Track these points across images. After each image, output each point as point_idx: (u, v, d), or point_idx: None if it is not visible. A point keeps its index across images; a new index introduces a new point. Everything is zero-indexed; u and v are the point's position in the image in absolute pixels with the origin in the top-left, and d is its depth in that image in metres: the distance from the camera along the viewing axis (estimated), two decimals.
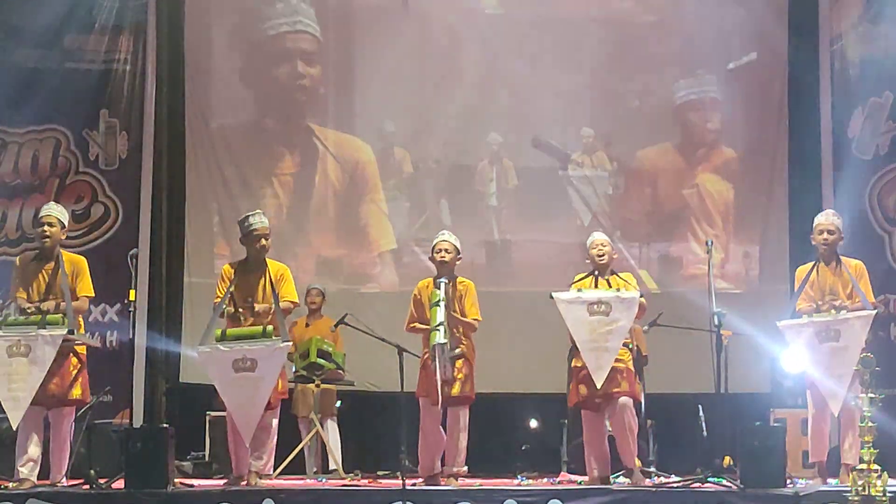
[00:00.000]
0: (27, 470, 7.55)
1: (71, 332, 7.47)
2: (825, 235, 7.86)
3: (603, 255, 7.90)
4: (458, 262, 8.05)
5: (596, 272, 7.94)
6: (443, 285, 7.79)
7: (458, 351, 7.78)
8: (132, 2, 10.63)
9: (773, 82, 11.16)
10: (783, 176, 11.12)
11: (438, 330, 7.58)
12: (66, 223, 7.95)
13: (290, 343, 7.74)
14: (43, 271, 7.78)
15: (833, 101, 10.71)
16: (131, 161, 10.62)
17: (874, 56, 10.38)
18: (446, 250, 7.95)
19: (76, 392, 7.66)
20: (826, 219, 7.95)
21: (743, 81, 11.24)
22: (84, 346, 7.79)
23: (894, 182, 10.16)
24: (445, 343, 7.57)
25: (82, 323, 7.83)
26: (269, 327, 7.55)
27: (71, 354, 7.66)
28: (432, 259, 8.04)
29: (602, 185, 11.18)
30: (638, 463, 8.22)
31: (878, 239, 10.16)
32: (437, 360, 7.57)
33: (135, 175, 10.62)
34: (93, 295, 7.89)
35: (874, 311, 7.64)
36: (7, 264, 10.19)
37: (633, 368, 7.83)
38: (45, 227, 7.77)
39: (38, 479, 7.62)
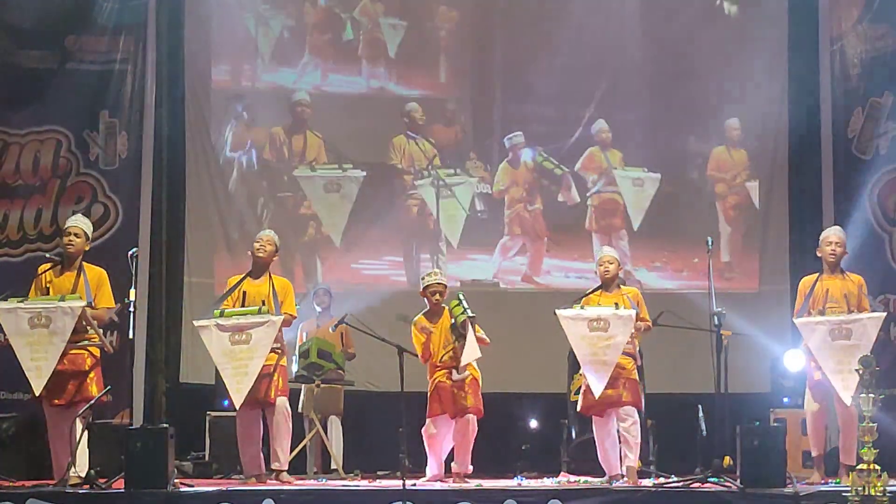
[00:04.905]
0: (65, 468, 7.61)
1: (90, 304, 7.70)
2: (833, 247, 8.14)
3: (608, 272, 8.18)
4: None
5: (601, 287, 8.22)
6: (463, 295, 8.24)
7: (466, 373, 8.12)
8: (132, 2, 10.61)
9: (774, 83, 11.15)
10: (783, 176, 11.12)
11: (466, 312, 8.06)
12: (90, 235, 8.04)
13: (283, 317, 8.05)
14: (64, 280, 7.84)
15: (833, 101, 10.70)
16: (131, 161, 10.58)
17: (874, 56, 10.37)
18: (441, 293, 8.30)
19: (93, 389, 7.76)
20: (834, 232, 8.29)
21: (743, 81, 11.24)
22: (98, 348, 7.87)
23: (894, 182, 10.14)
24: (474, 316, 8.04)
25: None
26: (265, 307, 7.96)
27: (87, 354, 7.78)
28: (425, 295, 8.33)
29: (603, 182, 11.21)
30: (638, 463, 8.22)
31: (879, 239, 10.13)
32: (466, 333, 7.98)
33: (135, 175, 10.59)
34: (113, 306, 8.02)
35: (884, 314, 8.06)
36: (7, 265, 10.22)
37: (635, 377, 8.05)
38: (71, 237, 7.87)
39: (39, 478, 7.65)
